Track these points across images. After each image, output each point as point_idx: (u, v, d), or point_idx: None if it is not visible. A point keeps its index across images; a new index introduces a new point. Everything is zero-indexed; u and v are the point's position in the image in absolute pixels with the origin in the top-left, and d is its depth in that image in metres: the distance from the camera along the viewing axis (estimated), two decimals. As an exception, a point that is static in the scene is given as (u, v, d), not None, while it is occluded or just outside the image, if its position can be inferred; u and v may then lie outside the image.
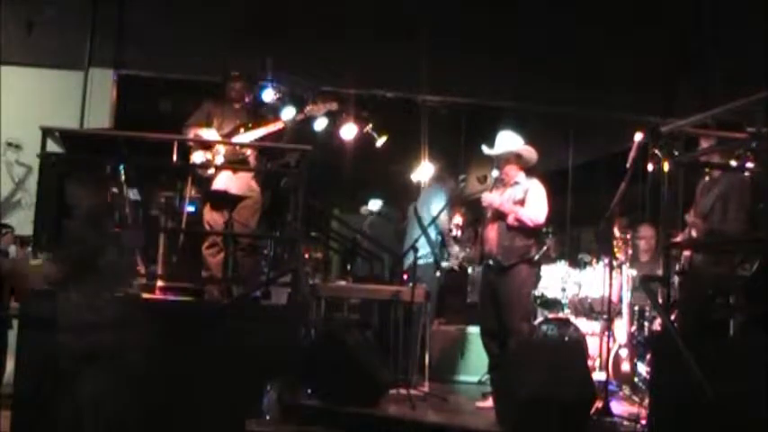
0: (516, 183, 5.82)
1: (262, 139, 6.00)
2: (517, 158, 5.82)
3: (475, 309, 7.89)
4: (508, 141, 5.83)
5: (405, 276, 7.17)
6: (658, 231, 6.23)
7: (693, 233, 5.31)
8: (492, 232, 5.73)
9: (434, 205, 6.96)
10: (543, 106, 7.27)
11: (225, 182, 5.95)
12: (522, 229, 5.66)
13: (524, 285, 5.76)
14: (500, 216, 5.71)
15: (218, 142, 5.98)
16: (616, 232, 6.50)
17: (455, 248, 6.99)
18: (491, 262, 5.71)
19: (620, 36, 7.17)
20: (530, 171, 5.94)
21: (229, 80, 6.16)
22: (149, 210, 7.14)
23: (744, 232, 4.99)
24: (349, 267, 8.95)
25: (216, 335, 5.01)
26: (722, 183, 5.28)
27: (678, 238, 5.19)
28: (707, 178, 5.37)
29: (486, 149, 5.86)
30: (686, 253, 5.40)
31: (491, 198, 5.77)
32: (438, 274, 7.01)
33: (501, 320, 5.64)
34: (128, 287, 4.50)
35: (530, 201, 5.71)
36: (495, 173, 5.89)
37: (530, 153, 5.83)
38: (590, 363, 5.94)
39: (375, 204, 9.78)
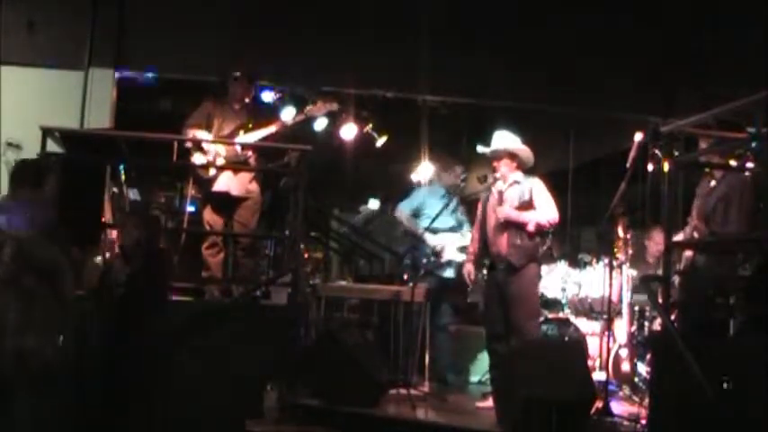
0: (516, 182, 5.80)
1: (262, 140, 6.00)
2: (511, 157, 5.80)
3: (475, 308, 7.91)
4: (502, 140, 5.82)
5: (405, 277, 7.17)
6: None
7: (695, 235, 5.31)
8: (499, 234, 5.71)
9: (405, 205, 6.97)
10: (543, 106, 7.26)
11: (226, 183, 5.95)
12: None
13: (533, 284, 5.73)
14: (511, 224, 5.69)
15: (219, 142, 5.98)
16: (619, 232, 6.50)
17: (436, 243, 6.90)
18: (500, 264, 5.68)
19: (620, 36, 7.16)
20: (530, 171, 5.93)
21: (230, 81, 6.16)
22: (149, 210, 7.16)
23: (745, 233, 5.00)
24: (351, 268, 8.95)
25: (216, 335, 5.01)
26: (723, 184, 5.28)
27: (678, 238, 5.19)
28: (712, 183, 5.37)
29: (480, 148, 5.86)
30: (688, 254, 5.40)
31: (507, 212, 5.70)
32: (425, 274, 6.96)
33: (508, 320, 5.61)
34: None
35: (539, 202, 5.69)
36: (496, 174, 5.87)
37: (526, 153, 5.81)
38: (590, 363, 5.94)
39: (375, 204, 9.78)
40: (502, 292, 5.64)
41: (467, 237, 6.95)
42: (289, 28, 6.96)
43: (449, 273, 6.95)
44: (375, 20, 7.01)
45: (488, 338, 5.88)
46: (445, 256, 6.89)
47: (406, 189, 8.35)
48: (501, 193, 5.83)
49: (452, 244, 6.90)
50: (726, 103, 4.65)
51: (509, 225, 5.69)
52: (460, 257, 6.94)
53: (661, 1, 7.20)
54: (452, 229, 6.95)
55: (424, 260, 6.86)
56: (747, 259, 4.95)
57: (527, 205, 5.71)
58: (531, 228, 5.64)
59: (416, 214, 6.93)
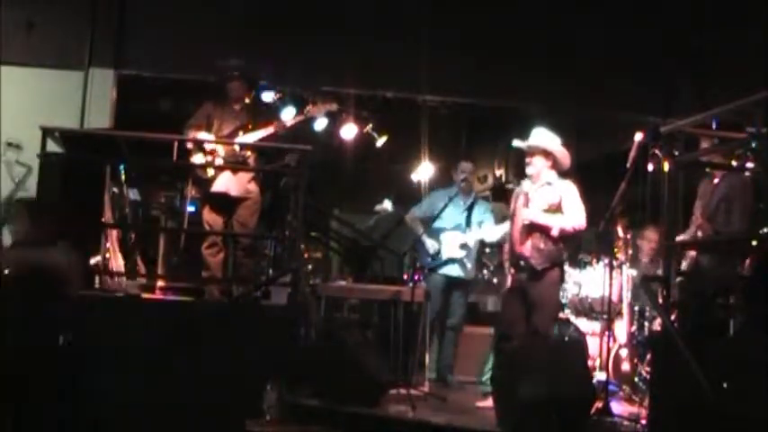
0: (548, 183, 5.69)
1: (262, 140, 6.00)
2: (546, 155, 5.69)
3: (476, 308, 7.91)
4: (540, 136, 5.75)
5: (417, 277, 7.12)
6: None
7: (699, 234, 5.31)
8: (524, 236, 5.66)
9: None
10: (543, 106, 7.26)
11: (225, 183, 5.95)
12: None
13: (555, 288, 5.68)
14: (535, 228, 5.63)
15: (219, 142, 5.98)
16: (619, 232, 6.49)
17: (432, 244, 6.91)
18: (523, 266, 5.63)
19: (620, 36, 7.17)
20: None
21: (226, 81, 6.16)
22: (149, 210, 7.17)
23: (744, 233, 5.00)
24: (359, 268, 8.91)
25: (216, 335, 5.01)
26: (724, 185, 5.28)
27: (680, 238, 5.19)
28: (715, 181, 5.36)
29: (516, 142, 5.79)
30: (692, 254, 5.39)
31: (531, 215, 5.62)
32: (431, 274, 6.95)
33: (529, 322, 5.53)
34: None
35: (568, 207, 5.59)
36: (528, 169, 5.79)
37: (562, 154, 5.70)
38: (590, 363, 5.94)
39: (389, 204, 9.76)
40: (524, 294, 5.60)
41: (472, 234, 6.92)
42: (289, 28, 6.96)
43: (457, 271, 6.92)
44: (375, 20, 7.02)
45: (500, 338, 5.82)
46: (445, 255, 6.87)
47: (412, 189, 8.37)
48: (527, 195, 5.77)
49: (453, 242, 6.86)
50: (726, 103, 4.66)
51: (534, 228, 5.62)
52: (462, 254, 6.91)
53: (661, 1, 7.21)
54: (458, 227, 6.91)
55: (429, 259, 6.85)
56: (744, 260, 4.96)
57: (555, 209, 5.62)
58: (555, 232, 5.55)
59: (425, 217, 6.89)
